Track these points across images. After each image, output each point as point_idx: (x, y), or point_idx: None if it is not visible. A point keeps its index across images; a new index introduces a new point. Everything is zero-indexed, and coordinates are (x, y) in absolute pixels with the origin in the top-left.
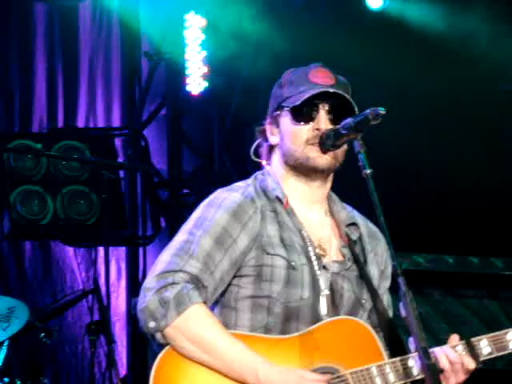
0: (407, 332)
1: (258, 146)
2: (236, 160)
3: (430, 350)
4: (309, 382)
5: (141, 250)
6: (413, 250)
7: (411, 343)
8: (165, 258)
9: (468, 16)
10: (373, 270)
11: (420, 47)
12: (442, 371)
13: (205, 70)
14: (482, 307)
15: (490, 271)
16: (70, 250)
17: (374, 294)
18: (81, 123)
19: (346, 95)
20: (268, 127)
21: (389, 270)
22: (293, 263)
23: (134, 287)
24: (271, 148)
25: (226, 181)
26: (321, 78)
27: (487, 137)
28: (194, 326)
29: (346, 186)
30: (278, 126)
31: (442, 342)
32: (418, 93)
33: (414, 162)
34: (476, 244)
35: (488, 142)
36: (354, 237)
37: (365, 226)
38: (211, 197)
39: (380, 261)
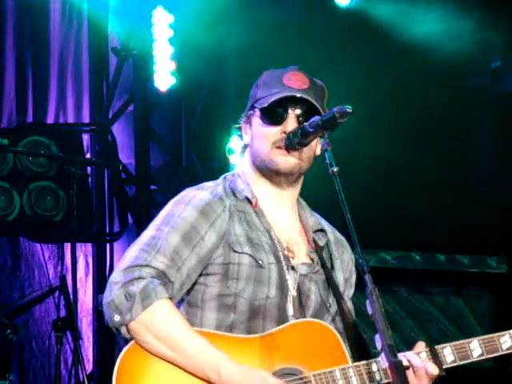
0: (374, 329)
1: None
2: (203, 157)
3: (400, 354)
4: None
5: (108, 246)
6: (380, 247)
7: (377, 341)
8: (132, 253)
9: (431, 13)
10: (339, 276)
11: (383, 44)
12: (407, 368)
13: (172, 66)
14: (449, 304)
15: (457, 268)
16: (38, 245)
17: (339, 298)
18: (51, 119)
19: (313, 101)
20: (243, 126)
21: (353, 279)
22: (260, 261)
23: (101, 284)
24: (245, 147)
25: (193, 178)
26: (294, 82)
27: (453, 134)
28: (158, 321)
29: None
30: (250, 125)
31: (408, 339)
32: (385, 88)
33: (382, 161)
34: (443, 241)
35: (454, 140)
36: (321, 243)
37: (332, 233)
38: (180, 195)
39: (345, 268)
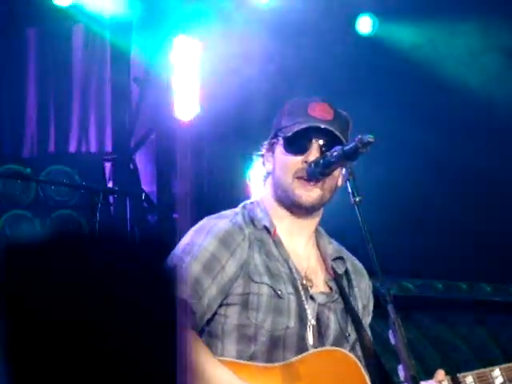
0: (397, 359)
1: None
2: (225, 185)
3: (422, 383)
4: None
5: None
6: (402, 275)
7: (400, 371)
8: None
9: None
10: (357, 305)
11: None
12: None
13: (195, 94)
14: (472, 333)
15: (479, 297)
16: None
17: (358, 327)
18: (72, 148)
19: (337, 132)
20: (265, 154)
21: (370, 307)
22: (279, 292)
23: None
24: (268, 174)
25: (214, 206)
26: (318, 112)
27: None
28: None
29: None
30: (273, 153)
31: (430, 368)
32: (407, 118)
33: (401, 189)
34: (464, 270)
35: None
36: (340, 271)
37: (350, 261)
38: (200, 224)
39: (363, 296)
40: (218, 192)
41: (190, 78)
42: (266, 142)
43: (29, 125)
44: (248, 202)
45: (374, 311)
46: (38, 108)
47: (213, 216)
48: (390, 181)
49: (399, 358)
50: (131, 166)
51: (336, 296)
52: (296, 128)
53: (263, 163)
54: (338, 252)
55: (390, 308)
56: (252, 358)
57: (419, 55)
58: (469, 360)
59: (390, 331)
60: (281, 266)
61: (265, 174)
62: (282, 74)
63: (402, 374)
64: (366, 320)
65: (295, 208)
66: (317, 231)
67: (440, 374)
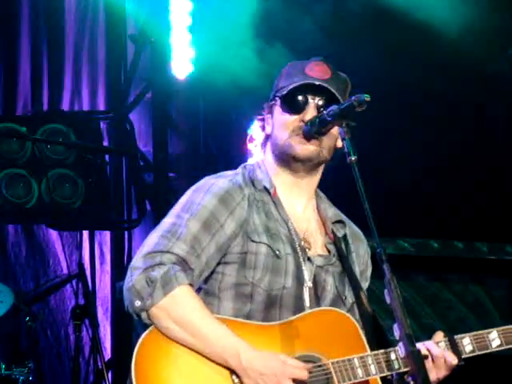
0: (392, 318)
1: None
2: (221, 144)
3: (419, 343)
4: (290, 368)
5: (126, 234)
6: (398, 234)
7: (395, 330)
8: (152, 240)
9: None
10: (355, 269)
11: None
12: (426, 357)
13: (191, 53)
14: (467, 291)
15: (476, 256)
16: (53, 234)
17: (355, 290)
18: (65, 107)
19: (333, 90)
20: (265, 117)
21: (368, 273)
22: (277, 252)
23: (119, 271)
24: (267, 137)
25: (211, 165)
26: (316, 72)
27: (474, 119)
28: (179, 307)
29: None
30: (272, 115)
31: (426, 326)
32: (397, 75)
33: (399, 149)
34: (461, 229)
35: (469, 127)
36: (340, 234)
37: (349, 226)
38: (199, 182)
39: (361, 262)
40: (216, 152)
41: (185, 36)
42: (265, 105)
43: (22, 83)
44: (248, 163)
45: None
46: (31, 67)
47: (213, 175)
48: (384, 137)
49: (394, 316)
50: (127, 125)
51: (334, 259)
52: (292, 86)
53: (263, 127)
54: (339, 216)
55: (385, 267)
56: (248, 316)
57: None
58: (464, 318)
59: (386, 290)
60: (280, 227)
61: (264, 137)
62: (278, 31)
63: (397, 332)
64: (364, 285)
65: (293, 162)
66: (317, 195)
67: (438, 335)
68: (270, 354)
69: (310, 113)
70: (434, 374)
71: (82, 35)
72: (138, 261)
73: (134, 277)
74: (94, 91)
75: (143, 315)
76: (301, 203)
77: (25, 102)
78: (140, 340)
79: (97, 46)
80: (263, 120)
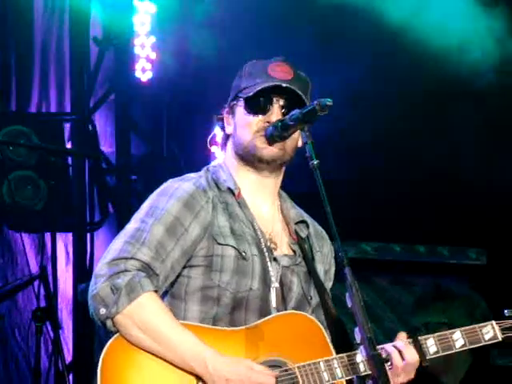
0: (354, 322)
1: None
2: (184, 147)
3: (380, 346)
4: (257, 373)
5: (88, 236)
6: (360, 238)
7: (357, 334)
8: (116, 246)
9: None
10: (319, 268)
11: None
12: (387, 361)
13: (154, 56)
14: None
15: (437, 260)
16: (20, 234)
17: (320, 290)
18: (33, 109)
19: (299, 91)
20: (225, 116)
21: (332, 272)
22: (243, 253)
23: (81, 273)
24: (227, 137)
25: (173, 168)
26: (278, 72)
27: (436, 120)
28: (144, 314)
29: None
30: (233, 115)
31: (388, 330)
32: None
33: (361, 150)
34: (423, 232)
35: (436, 125)
36: (303, 234)
37: (312, 225)
38: (163, 186)
39: (325, 261)
40: (178, 155)
41: (148, 39)
42: (225, 105)
43: None
44: (211, 165)
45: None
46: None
47: (176, 179)
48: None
49: (356, 320)
50: (90, 127)
51: (299, 259)
52: (257, 88)
53: (223, 127)
54: (301, 216)
55: (347, 271)
56: (215, 319)
57: None
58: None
59: (347, 294)
60: (245, 227)
61: (224, 136)
62: (239, 32)
63: (358, 336)
64: (328, 284)
65: (257, 162)
66: (280, 195)
67: (401, 335)
68: (236, 359)
69: (275, 114)
70: (404, 376)
71: (49, 37)
72: (102, 268)
73: (99, 284)
74: (62, 94)
75: (108, 323)
76: (265, 203)
77: None
78: (105, 348)
79: (63, 48)
80: (222, 120)
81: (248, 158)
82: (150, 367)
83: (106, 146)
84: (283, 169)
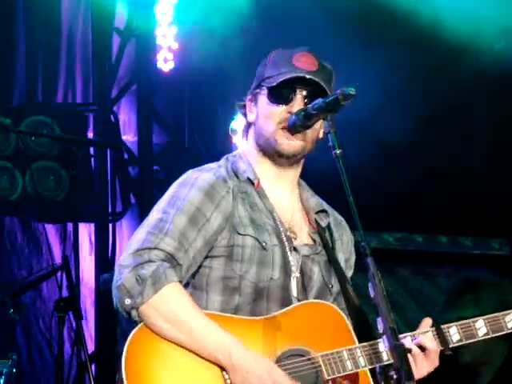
0: (376, 312)
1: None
2: (206, 137)
3: (402, 335)
4: (276, 375)
5: (110, 226)
6: (382, 228)
7: (379, 324)
8: (140, 236)
9: None
10: (340, 257)
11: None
12: (410, 351)
13: (176, 46)
14: (451, 286)
15: (459, 250)
16: (45, 224)
17: (341, 279)
18: (60, 99)
19: (322, 83)
20: (248, 104)
21: (352, 260)
22: (263, 243)
23: (103, 263)
24: (249, 125)
25: (195, 158)
26: (303, 63)
27: (460, 117)
28: (169, 305)
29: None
30: (256, 104)
31: (410, 320)
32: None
33: (385, 139)
34: (445, 223)
35: (460, 123)
36: (324, 224)
37: (331, 214)
38: (183, 177)
39: (346, 250)
40: (200, 145)
41: (170, 29)
42: (248, 92)
43: (18, 76)
44: (230, 155)
45: (355, 264)
46: (26, 59)
47: (196, 169)
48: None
49: (378, 310)
50: (112, 118)
51: (319, 248)
52: (281, 78)
53: (245, 114)
54: (321, 205)
55: (369, 261)
56: (236, 309)
57: None
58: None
59: (370, 284)
60: (265, 218)
61: (246, 124)
62: (263, 21)
63: (380, 326)
64: (348, 273)
65: (277, 157)
66: (299, 185)
67: (426, 323)
68: (260, 356)
69: (297, 104)
70: (430, 365)
71: (75, 29)
72: (126, 258)
73: (124, 275)
74: (87, 84)
75: (133, 313)
76: (285, 193)
77: (20, 94)
78: (130, 337)
79: (88, 39)
80: (245, 107)
81: (268, 150)
82: (175, 357)
83: (132, 135)
84: (303, 160)
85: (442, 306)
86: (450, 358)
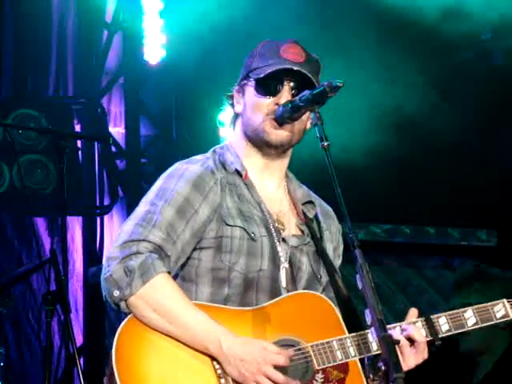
0: (365, 303)
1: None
2: (193, 129)
3: (391, 326)
4: (271, 353)
5: (98, 219)
6: (369, 220)
7: (367, 315)
8: (128, 228)
9: None
10: (328, 247)
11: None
12: (398, 342)
13: (162, 39)
14: (439, 277)
15: (447, 241)
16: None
17: (330, 269)
18: (50, 93)
19: (309, 75)
20: (235, 95)
21: (340, 250)
22: (252, 234)
23: (91, 257)
24: (236, 116)
25: (183, 151)
26: (291, 54)
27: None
28: (158, 296)
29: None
30: (243, 95)
31: (398, 312)
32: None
33: (371, 134)
34: (433, 214)
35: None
36: (311, 215)
37: (319, 205)
38: (171, 169)
39: (334, 239)
40: (187, 137)
41: (157, 22)
42: (236, 83)
43: (6, 68)
44: (218, 146)
45: (342, 255)
46: (14, 51)
47: (183, 161)
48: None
49: (366, 302)
50: (99, 110)
51: (308, 239)
52: (268, 70)
53: (232, 104)
54: (308, 196)
55: (357, 253)
56: (226, 300)
57: None
58: (436, 303)
59: (358, 276)
60: (253, 209)
61: (233, 115)
62: (249, 14)
63: (368, 317)
64: (337, 263)
65: (265, 147)
66: (287, 176)
67: (412, 312)
68: (250, 339)
69: (285, 96)
70: (419, 356)
71: (65, 23)
72: (114, 251)
73: (112, 267)
74: (78, 76)
75: (122, 305)
76: (272, 184)
77: (8, 87)
78: (119, 330)
79: (77, 30)
80: (232, 97)
81: (256, 141)
82: (165, 348)
83: (122, 127)
84: (290, 151)
85: (451, 290)
86: (445, 347)
